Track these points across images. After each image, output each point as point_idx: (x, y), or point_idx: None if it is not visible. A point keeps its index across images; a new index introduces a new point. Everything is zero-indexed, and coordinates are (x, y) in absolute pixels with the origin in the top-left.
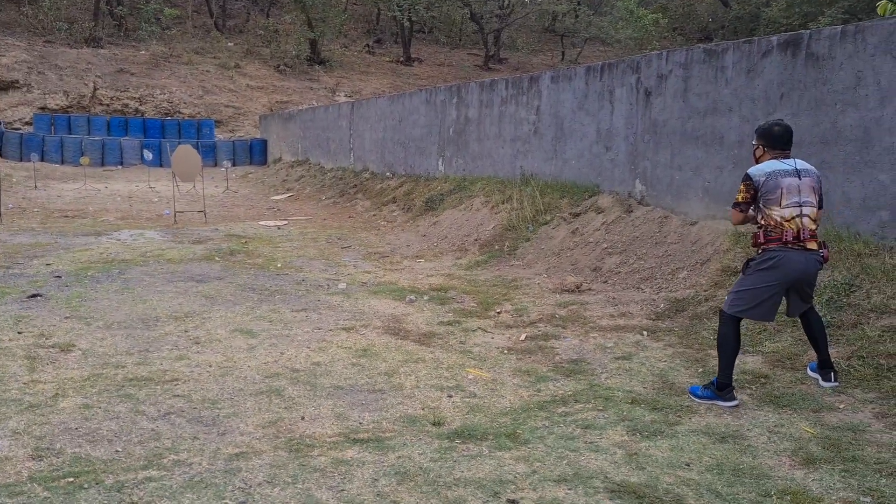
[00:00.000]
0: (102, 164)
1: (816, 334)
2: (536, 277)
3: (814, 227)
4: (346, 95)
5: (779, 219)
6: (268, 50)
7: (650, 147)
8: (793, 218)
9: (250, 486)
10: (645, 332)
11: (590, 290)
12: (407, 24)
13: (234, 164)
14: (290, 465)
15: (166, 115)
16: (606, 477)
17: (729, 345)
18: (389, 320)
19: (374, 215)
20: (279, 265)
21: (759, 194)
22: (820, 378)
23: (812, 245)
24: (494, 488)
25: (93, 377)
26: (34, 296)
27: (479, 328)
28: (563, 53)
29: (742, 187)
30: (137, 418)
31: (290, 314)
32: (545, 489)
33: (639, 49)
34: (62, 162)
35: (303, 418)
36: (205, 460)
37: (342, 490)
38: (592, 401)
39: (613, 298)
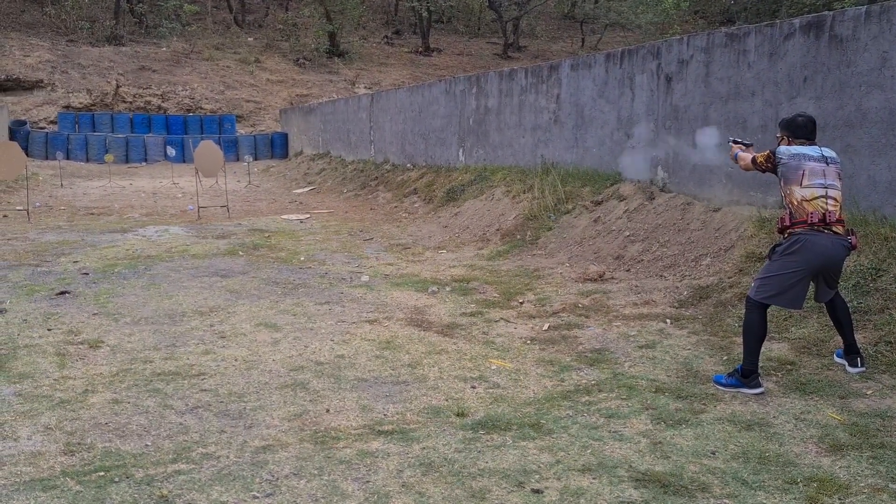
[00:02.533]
0: (127, 162)
1: (842, 320)
2: (559, 267)
3: (839, 211)
4: (365, 87)
5: (799, 198)
6: (287, 44)
7: (671, 133)
8: (814, 198)
9: (277, 479)
10: (668, 321)
11: (612, 278)
12: (425, 14)
13: (255, 159)
14: (315, 457)
15: (188, 111)
16: (631, 466)
17: (754, 332)
18: (412, 312)
19: (395, 207)
20: (302, 258)
21: (780, 172)
22: (846, 364)
23: (839, 229)
24: (519, 478)
25: (121, 372)
26: (62, 293)
27: (502, 318)
28: (582, 40)
29: (766, 153)
30: (166, 412)
31: (314, 307)
32: (569, 479)
33: (660, 34)
34: (87, 160)
35: (328, 411)
36: (232, 453)
37: (367, 481)
38: (616, 390)
39: (636, 287)
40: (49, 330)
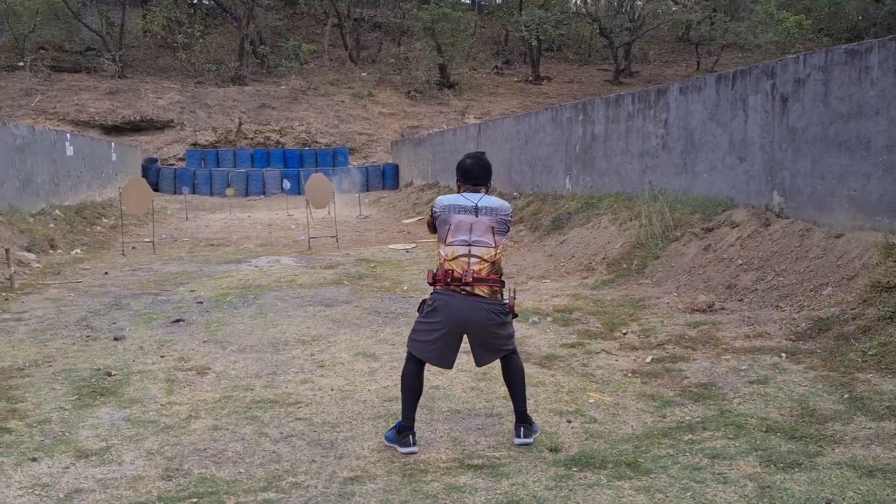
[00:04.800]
0: (247, 195)
1: (512, 385)
2: (666, 296)
3: (486, 270)
4: (475, 117)
5: (443, 256)
6: (399, 77)
7: (788, 156)
8: (455, 258)
9: None
10: (783, 354)
11: (723, 309)
12: (535, 43)
13: (367, 190)
14: (402, 490)
15: (304, 145)
16: None
17: (406, 384)
18: None
19: None
20: (405, 288)
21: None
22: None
23: (482, 290)
24: None
25: (223, 399)
26: (177, 321)
27: (603, 350)
28: (698, 63)
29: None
30: (261, 440)
31: None
32: None
33: (781, 53)
34: (211, 193)
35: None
36: (321, 483)
37: None
38: (722, 428)
39: (749, 318)
40: (162, 357)
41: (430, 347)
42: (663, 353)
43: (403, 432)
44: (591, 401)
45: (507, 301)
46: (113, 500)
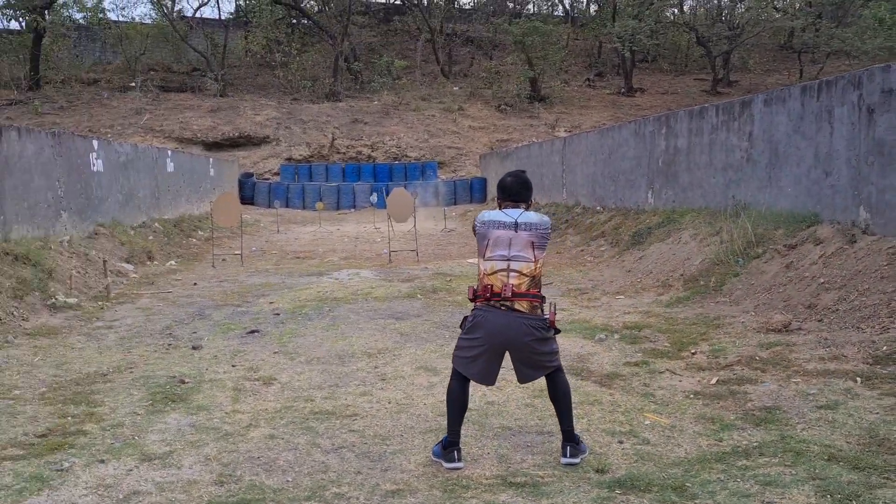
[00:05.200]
0: (337, 208)
1: (558, 404)
2: (741, 315)
3: (525, 285)
4: (565, 130)
5: (482, 272)
6: (490, 91)
7: (875, 170)
8: (494, 272)
9: None
10: (858, 379)
11: (800, 329)
12: (628, 54)
13: (454, 203)
14: None
15: (395, 159)
16: None
17: (451, 399)
18: (573, 359)
19: (581, 251)
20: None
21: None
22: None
23: (522, 305)
24: None
25: (284, 409)
26: (253, 332)
27: (668, 370)
28: (801, 71)
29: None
30: (312, 450)
31: None
32: None
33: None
34: (303, 207)
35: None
36: (363, 495)
37: None
38: (780, 454)
39: (826, 339)
40: (233, 366)
41: (472, 363)
42: (730, 374)
43: (449, 448)
44: (646, 422)
45: (547, 316)
46: (166, 503)
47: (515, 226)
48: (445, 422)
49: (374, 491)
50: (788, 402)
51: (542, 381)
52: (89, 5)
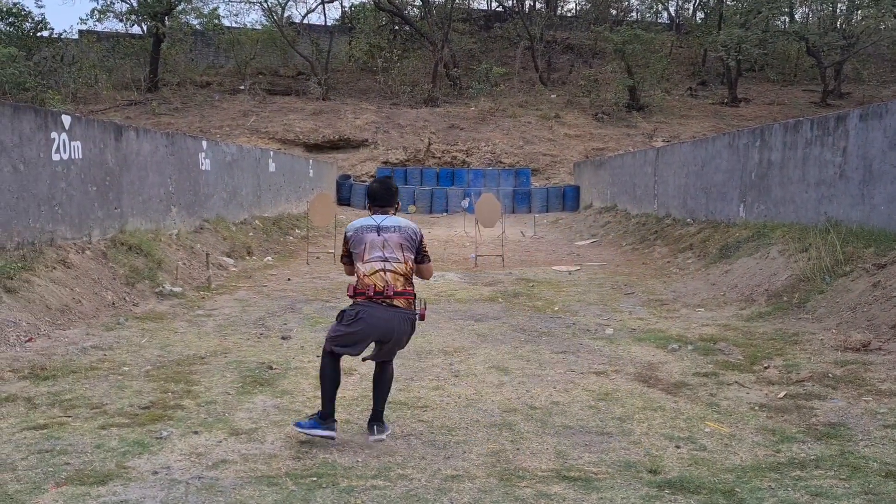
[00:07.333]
0: (430, 212)
1: (381, 387)
2: (821, 333)
3: (401, 283)
4: (663, 140)
5: (362, 273)
6: (587, 99)
7: None
8: (374, 273)
9: None
10: None
11: (880, 349)
12: (733, 63)
13: (547, 210)
14: (495, 491)
15: (489, 164)
16: None
17: (326, 375)
18: (644, 367)
19: (668, 262)
20: (556, 308)
21: (351, 252)
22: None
23: (400, 302)
24: None
25: (360, 398)
26: None
27: (737, 382)
28: None
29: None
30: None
31: (549, 355)
32: None
33: None
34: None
35: (519, 451)
36: (424, 478)
37: None
38: (836, 468)
39: None
40: (317, 357)
41: (345, 347)
42: (800, 389)
43: (326, 419)
44: (707, 429)
45: (418, 311)
46: (249, 472)
47: (379, 229)
48: (510, 417)
49: (436, 475)
50: (855, 420)
51: (603, 386)
52: (205, 12)
